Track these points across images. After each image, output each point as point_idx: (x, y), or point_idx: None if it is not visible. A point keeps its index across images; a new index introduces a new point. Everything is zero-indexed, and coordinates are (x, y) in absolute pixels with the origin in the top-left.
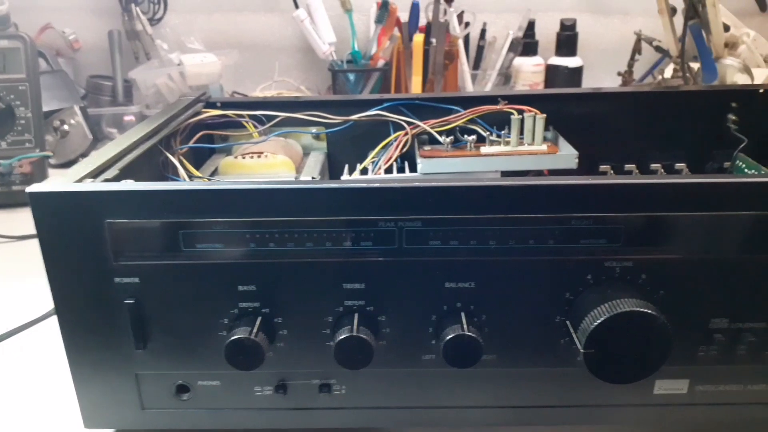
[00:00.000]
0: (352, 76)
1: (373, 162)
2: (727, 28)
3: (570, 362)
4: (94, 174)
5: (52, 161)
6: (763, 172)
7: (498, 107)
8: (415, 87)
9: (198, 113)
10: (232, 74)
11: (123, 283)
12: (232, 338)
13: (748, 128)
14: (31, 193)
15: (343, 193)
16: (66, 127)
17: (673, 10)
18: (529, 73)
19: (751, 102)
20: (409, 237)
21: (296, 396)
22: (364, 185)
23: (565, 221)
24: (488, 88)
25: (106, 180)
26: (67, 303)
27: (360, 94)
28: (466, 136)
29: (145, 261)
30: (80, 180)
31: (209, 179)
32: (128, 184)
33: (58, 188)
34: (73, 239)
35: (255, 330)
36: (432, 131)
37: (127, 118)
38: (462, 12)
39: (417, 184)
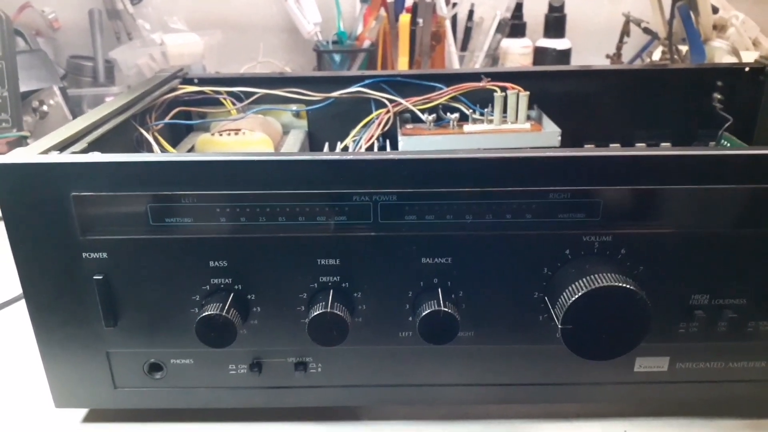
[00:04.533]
0: (337, 57)
1: (354, 140)
2: (715, 10)
3: (549, 339)
4: (61, 146)
5: (30, 141)
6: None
7: (481, 84)
8: (402, 68)
9: (174, 89)
10: (216, 55)
11: (91, 258)
12: (203, 315)
13: (734, 107)
14: None
15: (316, 166)
16: (45, 107)
17: None
18: (517, 54)
19: (737, 81)
20: (385, 211)
21: (271, 374)
22: (337, 157)
23: (542, 195)
24: (476, 68)
25: (74, 153)
26: (33, 280)
27: None
28: (448, 114)
29: (113, 236)
30: (46, 152)
31: (179, 153)
32: (94, 156)
33: (22, 160)
34: (39, 213)
35: (227, 306)
36: (414, 109)
37: (108, 99)
38: None
39: (392, 156)
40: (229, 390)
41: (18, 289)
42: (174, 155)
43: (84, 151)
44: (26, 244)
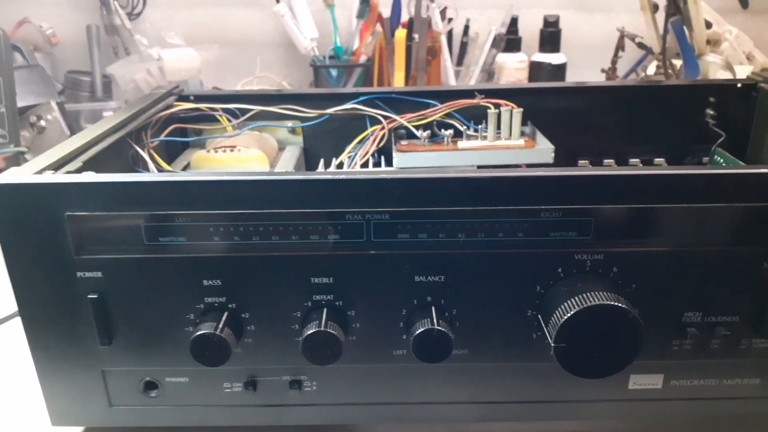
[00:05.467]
0: (334, 72)
1: (349, 156)
2: (709, 25)
3: (542, 357)
4: (56, 166)
5: (27, 157)
6: (737, 166)
7: (475, 101)
8: (398, 83)
9: (170, 106)
10: (213, 70)
11: (85, 277)
12: (197, 334)
13: (726, 123)
14: None
15: (309, 185)
16: (42, 122)
17: (655, 7)
18: (513, 69)
19: (729, 97)
20: (378, 230)
21: (266, 392)
22: (330, 177)
23: (534, 213)
24: (471, 84)
25: (69, 172)
26: (29, 298)
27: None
28: (443, 130)
29: (107, 255)
30: (40, 171)
31: (173, 172)
32: (88, 176)
33: (17, 180)
34: (34, 233)
35: (221, 325)
36: (409, 125)
37: (105, 113)
38: (445, 8)
39: (384, 175)
40: (224, 408)
41: (14, 306)
42: (167, 175)
43: (79, 170)
44: (21, 263)
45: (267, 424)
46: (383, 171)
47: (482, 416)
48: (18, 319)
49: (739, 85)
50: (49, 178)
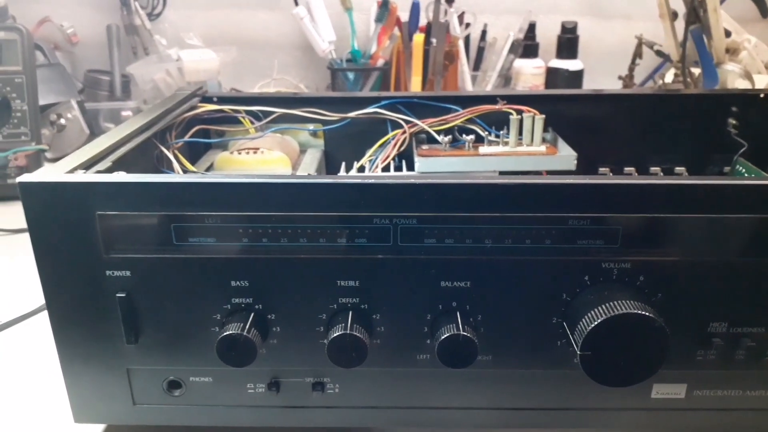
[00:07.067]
0: (351, 75)
1: (370, 160)
2: (728, 34)
3: (566, 364)
4: (87, 165)
5: (48, 155)
6: (762, 176)
7: (497, 107)
8: (415, 87)
9: (194, 107)
10: (231, 71)
11: (114, 276)
12: (224, 334)
13: (749, 133)
14: (22, 183)
15: (337, 189)
16: (63, 121)
17: (674, 15)
18: (530, 75)
19: (752, 107)
20: (404, 234)
21: (289, 394)
22: (359, 181)
23: (562, 221)
24: (488, 89)
25: (99, 172)
26: (57, 296)
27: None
28: (464, 135)
29: (136, 254)
30: (72, 171)
31: (203, 174)
32: (120, 176)
33: (49, 179)
34: (64, 231)
35: (247, 326)
36: (430, 130)
37: (124, 113)
38: (462, 12)
39: (413, 180)
40: (246, 408)
41: (40, 300)
42: (198, 176)
43: (109, 170)
44: (51, 260)
45: (289, 425)
46: (412, 176)
47: (504, 422)
48: (39, 316)
49: (761, 95)
50: (81, 177)
